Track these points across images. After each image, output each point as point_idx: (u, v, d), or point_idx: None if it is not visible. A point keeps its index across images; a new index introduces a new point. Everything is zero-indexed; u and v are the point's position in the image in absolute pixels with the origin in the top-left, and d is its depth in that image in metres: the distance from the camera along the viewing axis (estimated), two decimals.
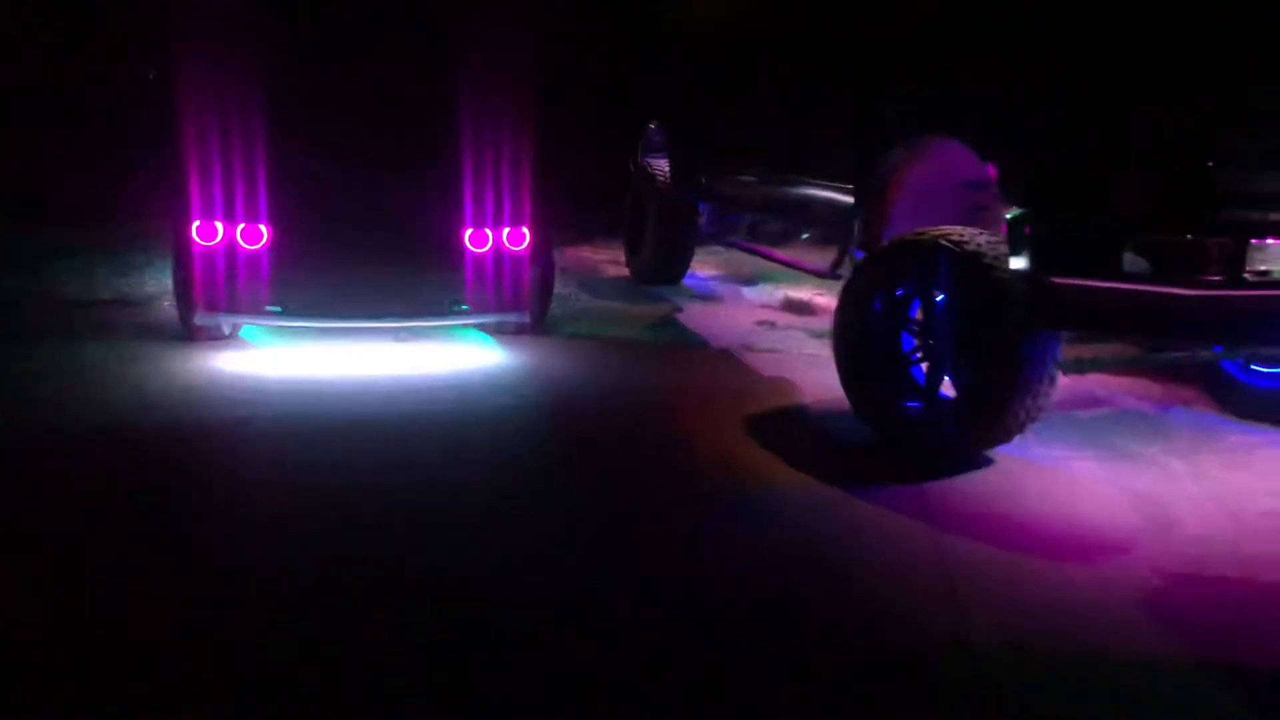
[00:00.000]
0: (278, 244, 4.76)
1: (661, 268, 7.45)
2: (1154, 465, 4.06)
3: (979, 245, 3.77)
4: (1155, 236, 3.45)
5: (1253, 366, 4.60)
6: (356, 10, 4.89)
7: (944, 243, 3.79)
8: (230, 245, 4.68)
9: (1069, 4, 3.74)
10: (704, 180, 6.69)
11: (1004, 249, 3.72)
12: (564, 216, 9.38)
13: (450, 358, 5.23)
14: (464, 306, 5.01)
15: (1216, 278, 3.43)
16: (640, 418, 4.48)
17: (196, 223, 4.66)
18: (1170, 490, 3.81)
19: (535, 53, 5.02)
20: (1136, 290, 3.47)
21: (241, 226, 4.68)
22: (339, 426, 4.19)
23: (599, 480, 3.81)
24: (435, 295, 4.96)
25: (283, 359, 5.04)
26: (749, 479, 3.81)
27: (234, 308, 4.78)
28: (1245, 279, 3.45)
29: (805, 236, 5.76)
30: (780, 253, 5.85)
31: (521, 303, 5.13)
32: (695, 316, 6.58)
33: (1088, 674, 2.58)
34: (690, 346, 5.83)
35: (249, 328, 5.22)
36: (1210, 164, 3.45)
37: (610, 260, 8.26)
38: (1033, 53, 3.73)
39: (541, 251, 5.25)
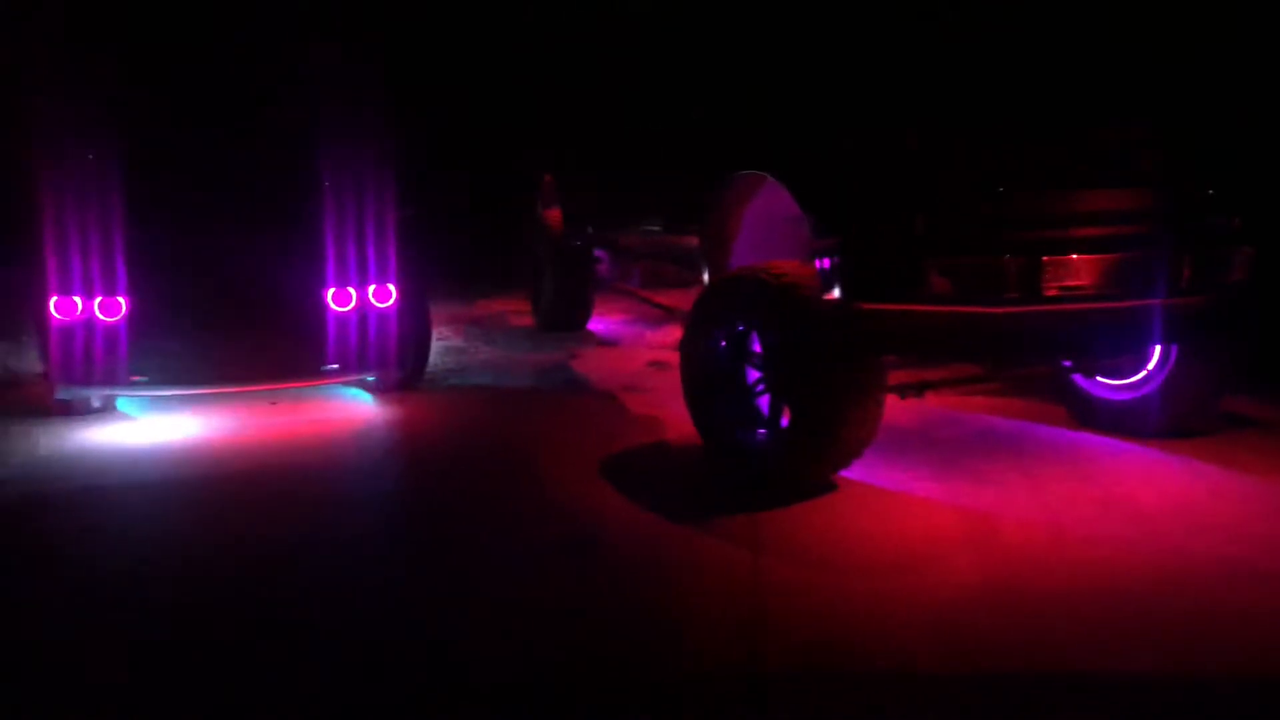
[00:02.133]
0: (137, 314, 4.81)
1: (563, 315, 7.55)
2: (994, 482, 4.15)
3: (796, 277, 3.87)
4: (953, 258, 3.57)
5: (1098, 379, 4.71)
6: (211, 73, 4.99)
7: (762, 276, 3.89)
8: (89, 319, 4.74)
9: (857, 33, 3.89)
10: (590, 229, 6.81)
11: (820, 279, 3.83)
12: (473, 270, 9.60)
13: (322, 417, 5.27)
14: (332, 366, 5.07)
15: (1014, 295, 3.55)
16: (496, 464, 4.52)
17: (54, 298, 4.72)
18: (1002, 505, 3.89)
19: (395, 109, 5.13)
20: (940, 312, 3.59)
21: (99, 300, 4.74)
22: (188, 488, 4.25)
23: (427, 525, 3.86)
24: (299, 357, 5.02)
25: (148, 428, 5.05)
26: (583, 516, 3.86)
27: (93, 381, 4.81)
28: (1044, 295, 3.58)
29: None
30: (660, 296, 5.96)
31: (389, 359, 5.19)
32: (589, 360, 6.66)
33: (855, 680, 2.65)
34: (573, 391, 5.91)
35: (127, 399, 5.26)
36: (1001, 186, 3.60)
37: (518, 310, 8.35)
38: (824, 82, 3.87)
39: (411, 306, 5.32)
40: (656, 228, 6.21)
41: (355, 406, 5.43)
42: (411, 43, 8.26)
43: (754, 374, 4.19)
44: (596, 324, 7.78)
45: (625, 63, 5.67)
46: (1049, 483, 4.12)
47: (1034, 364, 4.24)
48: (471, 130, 9.90)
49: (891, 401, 4.15)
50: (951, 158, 3.57)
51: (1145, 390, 4.58)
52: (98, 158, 4.73)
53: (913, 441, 4.62)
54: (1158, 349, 4.43)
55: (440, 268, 9.30)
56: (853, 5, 3.90)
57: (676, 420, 5.00)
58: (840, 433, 3.85)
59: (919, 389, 4.17)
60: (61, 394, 4.89)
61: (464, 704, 2.61)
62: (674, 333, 7.27)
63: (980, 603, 3.10)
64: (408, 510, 4.09)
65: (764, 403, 4.16)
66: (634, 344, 7.24)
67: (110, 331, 4.76)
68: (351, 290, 5.06)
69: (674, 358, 6.59)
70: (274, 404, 5.34)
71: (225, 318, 4.89)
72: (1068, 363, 4.54)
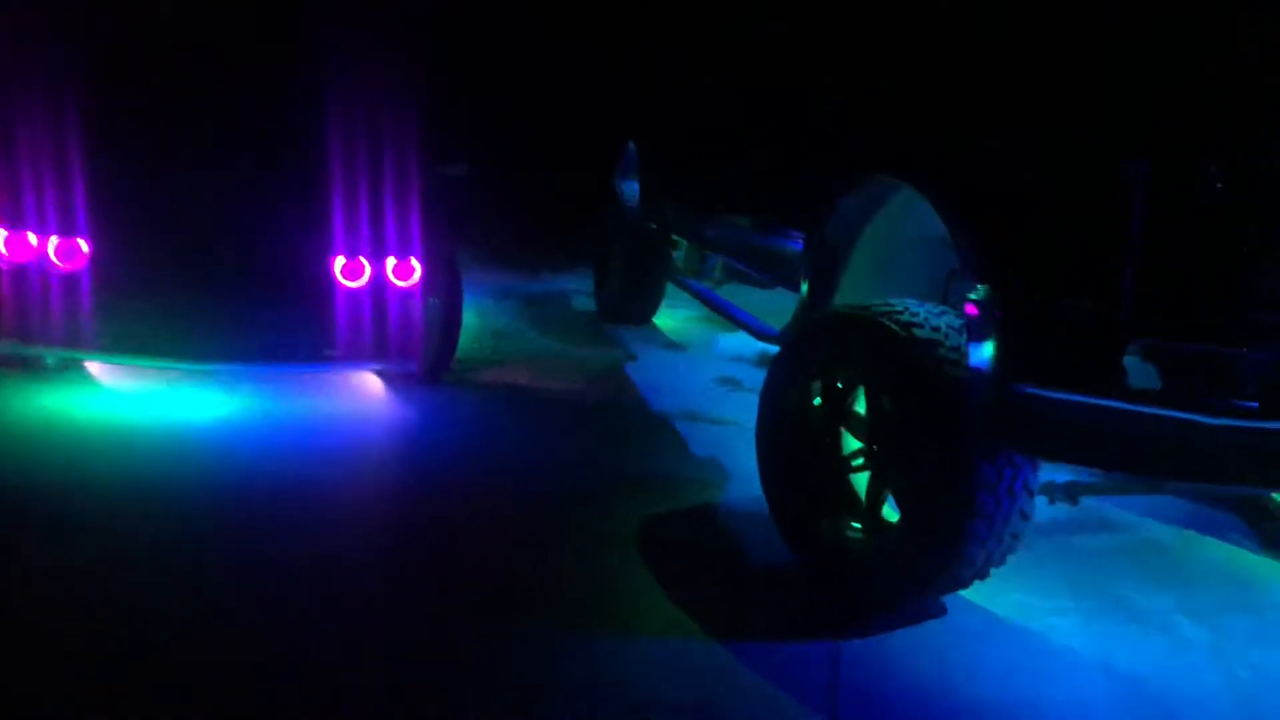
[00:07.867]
0: (99, 263, 3.94)
1: (629, 305, 6.57)
2: (1161, 629, 3.08)
3: (935, 330, 2.82)
4: (1170, 342, 2.50)
5: None
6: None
7: (887, 322, 2.85)
8: (42, 261, 3.88)
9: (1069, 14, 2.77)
10: (670, 213, 5.78)
11: (967, 335, 2.78)
12: (546, 239, 8.63)
13: (331, 407, 4.37)
14: (331, 351, 4.14)
15: (1252, 404, 2.47)
16: (506, 513, 3.57)
17: (3, 233, 3.86)
18: (1175, 672, 2.83)
19: (426, 51, 4.14)
20: (1139, 414, 2.51)
21: (55, 241, 3.87)
22: (117, 488, 3.45)
23: (393, 606, 2.93)
24: (294, 337, 4.09)
25: (104, 399, 4.23)
26: (605, 618, 2.89)
27: (45, 338, 3.96)
28: None
29: None
30: (736, 305, 4.93)
31: (409, 349, 4.24)
32: (648, 367, 5.66)
33: None
34: (622, 409, 4.90)
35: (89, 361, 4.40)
36: (1256, 247, 2.49)
37: (583, 291, 7.38)
38: (1015, 74, 2.77)
39: (438, 287, 4.37)
40: (746, 221, 5.18)
41: (355, 402, 4.51)
42: None
43: (850, 443, 3.17)
44: (664, 318, 6.78)
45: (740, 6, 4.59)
46: (1235, 639, 3.03)
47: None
48: (554, 83, 8.87)
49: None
50: (1190, 199, 2.47)
51: None
52: (64, 78, 3.83)
53: (1049, 551, 3.55)
54: None
55: (507, 235, 8.40)
56: None
57: (745, 472, 4.00)
58: (967, 547, 2.81)
59: (1072, 492, 3.12)
60: (3, 349, 4.04)
61: None
62: (751, 341, 6.25)
63: None
64: (359, 573, 3.14)
65: (862, 485, 3.15)
66: (704, 350, 6.22)
67: (68, 280, 3.89)
68: (365, 262, 4.11)
69: (751, 375, 5.64)
70: (264, 383, 4.44)
71: (206, 280, 3.97)
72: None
